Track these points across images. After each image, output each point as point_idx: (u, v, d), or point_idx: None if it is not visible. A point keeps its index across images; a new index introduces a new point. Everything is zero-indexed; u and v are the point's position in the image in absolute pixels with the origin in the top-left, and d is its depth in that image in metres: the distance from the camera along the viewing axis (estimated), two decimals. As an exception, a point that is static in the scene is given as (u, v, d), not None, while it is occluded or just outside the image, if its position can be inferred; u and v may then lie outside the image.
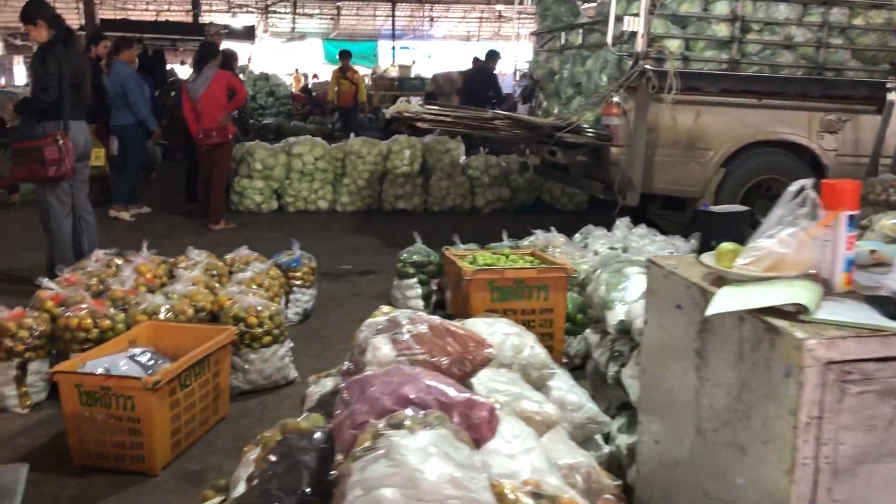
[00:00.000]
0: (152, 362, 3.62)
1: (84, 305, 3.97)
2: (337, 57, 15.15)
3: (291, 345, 4.26)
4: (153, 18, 26.50)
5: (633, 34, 6.22)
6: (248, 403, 3.98)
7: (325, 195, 9.71)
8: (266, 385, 4.11)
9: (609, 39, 6.22)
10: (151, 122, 8.63)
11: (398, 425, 1.78)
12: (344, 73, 14.26)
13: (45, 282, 4.31)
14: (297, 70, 29.44)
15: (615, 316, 3.00)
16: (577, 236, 5.65)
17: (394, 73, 24.73)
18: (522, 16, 33.70)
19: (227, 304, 4.24)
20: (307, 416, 2.31)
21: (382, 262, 7.12)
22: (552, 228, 5.48)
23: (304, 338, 4.94)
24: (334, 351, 4.76)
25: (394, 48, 31.39)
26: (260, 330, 4.02)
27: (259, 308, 4.08)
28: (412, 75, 23.35)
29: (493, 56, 12.54)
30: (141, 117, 8.48)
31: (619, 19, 6.20)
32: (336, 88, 14.38)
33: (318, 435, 2.14)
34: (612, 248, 5.08)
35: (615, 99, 6.48)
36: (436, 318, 2.47)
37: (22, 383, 3.84)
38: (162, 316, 4.00)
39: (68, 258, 5.64)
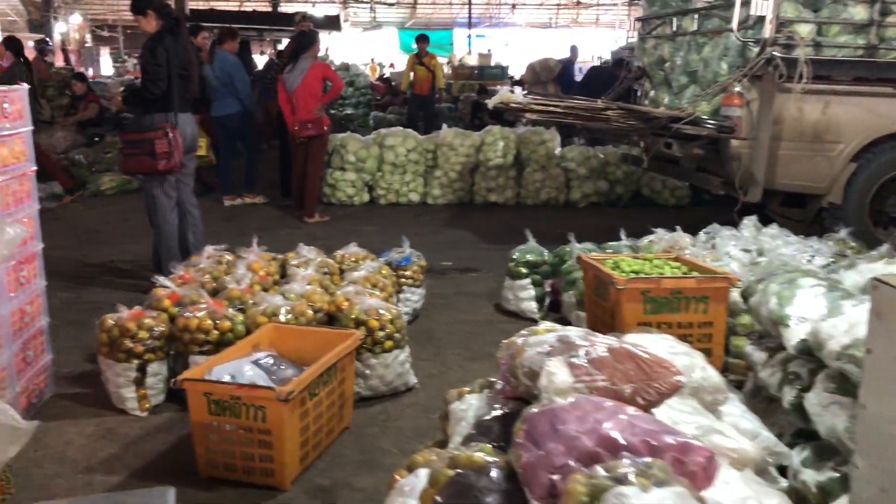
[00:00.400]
0: (276, 367, 3.47)
1: (203, 305, 3.85)
2: (412, 44, 14.46)
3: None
4: (236, 8, 26.86)
5: (761, 18, 5.80)
6: (370, 411, 3.79)
7: (417, 188, 9.53)
8: (386, 392, 3.93)
9: (734, 24, 5.82)
10: (256, 110, 8.66)
11: (621, 479, 1.53)
12: (420, 58, 12.99)
13: (161, 280, 4.21)
14: (372, 60, 29.44)
15: (794, 334, 2.68)
16: (702, 236, 5.29)
17: (472, 61, 24.45)
18: (601, 3, 32.94)
19: (345, 306, 4.06)
20: (474, 447, 2.08)
21: (482, 258, 6.90)
22: (678, 228, 5.14)
23: (417, 340, 4.73)
24: (448, 355, 4.55)
25: (469, 37, 31.05)
26: (382, 334, 3.83)
27: (381, 311, 3.89)
28: (492, 63, 23.02)
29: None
30: (248, 105, 8.58)
31: (745, 3, 5.79)
32: (411, 75, 13.27)
33: (495, 473, 1.91)
34: (745, 251, 4.71)
35: (737, 88, 6.08)
36: (613, 339, 2.21)
37: (141, 385, 3.74)
38: (282, 318, 3.85)
39: (174, 253, 5.59)
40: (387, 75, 24.45)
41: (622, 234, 5.30)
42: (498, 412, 2.36)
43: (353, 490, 3.06)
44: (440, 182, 9.50)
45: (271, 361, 3.49)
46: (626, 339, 2.25)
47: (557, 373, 2.07)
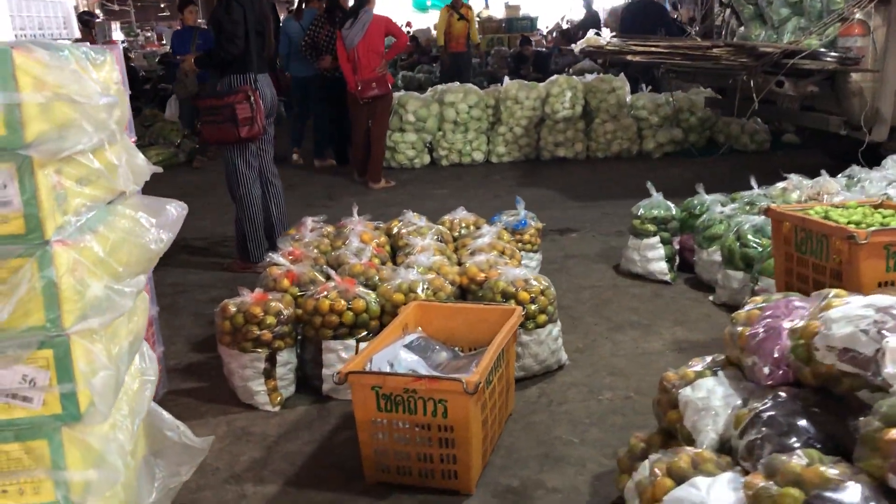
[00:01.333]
0: (429, 351, 3.04)
1: (332, 284, 3.42)
2: (426, 2, 13.09)
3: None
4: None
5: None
6: (527, 394, 3.37)
7: (480, 146, 9.03)
8: (539, 371, 3.50)
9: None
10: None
11: None
12: (456, 8, 11.78)
13: (272, 257, 3.79)
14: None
15: None
16: (842, 180, 4.78)
17: (499, 14, 23.63)
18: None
19: (481, 277, 3.63)
20: (803, 455, 1.64)
21: (575, 217, 6.43)
22: (823, 171, 4.63)
23: (545, 310, 4.29)
24: (588, 326, 4.11)
25: (486, -11, 30.06)
26: (534, 307, 3.39)
27: (531, 282, 3.44)
28: (520, 15, 22.22)
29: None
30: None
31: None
32: (446, 30, 11.92)
33: (854, 493, 1.47)
34: (908, 194, 4.21)
35: (859, 16, 5.52)
36: None
37: (271, 377, 3.34)
38: (421, 293, 3.41)
39: (258, 228, 5.16)
40: (410, 33, 23.70)
41: (753, 182, 4.81)
42: (779, 403, 1.92)
43: (548, 491, 2.65)
44: (504, 139, 9.00)
45: (423, 344, 3.07)
46: None
47: (910, 355, 1.62)
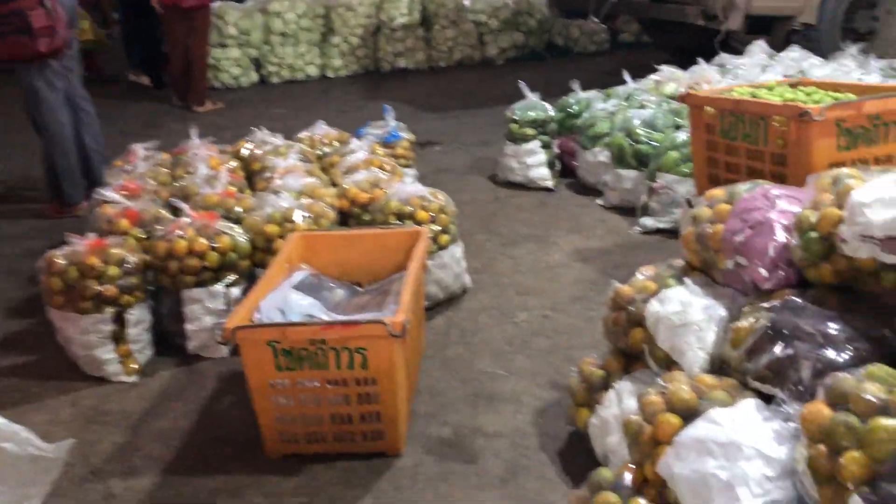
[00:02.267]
0: (325, 291, 2.54)
1: (185, 220, 2.78)
2: None
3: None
4: None
5: None
6: (435, 326, 2.95)
7: (313, 60, 8.29)
8: (443, 298, 3.08)
9: None
10: None
11: None
12: None
13: (103, 193, 3.07)
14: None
15: None
16: (714, 68, 4.61)
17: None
18: None
19: (363, 198, 3.12)
20: (891, 374, 1.31)
21: (432, 129, 5.99)
22: (700, 60, 4.44)
23: (429, 229, 3.85)
24: (479, 243, 3.72)
25: None
26: (436, 228, 2.94)
27: (427, 198, 2.98)
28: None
29: None
30: None
31: None
32: None
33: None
34: (787, 76, 4.09)
35: None
36: None
37: (122, 341, 2.68)
38: (300, 222, 2.86)
39: (73, 161, 4.31)
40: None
41: (626, 77, 4.55)
42: (796, 310, 1.60)
43: (489, 437, 2.26)
44: (340, 50, 8.30)
45: (315, 282, 2.55)
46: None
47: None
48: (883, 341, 1.48)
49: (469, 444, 2.24)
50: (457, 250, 3.05)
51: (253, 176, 3.59)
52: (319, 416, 2.16)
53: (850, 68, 4.23)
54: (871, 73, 4.10)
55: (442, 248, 2.96)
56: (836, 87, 2.74)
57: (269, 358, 2.09)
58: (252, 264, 2.84)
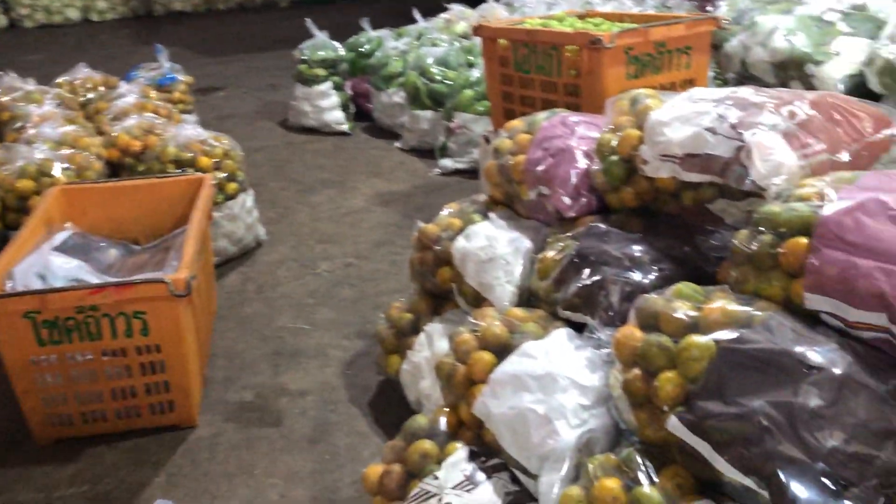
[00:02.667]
0: (94, 251, 2.23)
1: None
2: None
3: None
4: None
5: None
6: (229, 283, 2.72)
7: (73, 2, 7.43)
8: (236, 253, 2.84)
9: None
10: None
11: None
12: None
13: None
14: None
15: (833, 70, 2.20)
16: (501, 6, 4.60)
17: None
18: None
19: (135, 146, 2.79)
20: (698, 291, 1.30)
21: (214, 74, 5.60)
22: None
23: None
24: (273, 192, 3.50)
25: None
26: (222, 176, 2.69)
27: (209, 142, 2.71)
28: None
29: None
30: None
31: None
32: None
33: (780, 328, 1.17)
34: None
35: None
36: (799, 92, 1.51)
37: None
38: (60, 176, 2.49)
39: None
40: None
41: (416, 15, 4.43)
42: (600, 236, 1.57)
43: (293, 396, 2.10)
44: (105, -9, 7.52)
45: (81, 242, 2.24)
46: (810, 94, 1.54)
47: (777, 148, 1.33)
48: (686, 259, 1.48)
49: (273, 405, 2.07)
50: (248, 199, 2.82)
51: (2, 128, 3.11)
52: (97, 392, 1.90)
53: (629, 6, 4.38)
54: (647, 9, 4.27)
55: (230, 197, 2.72)
56: (622, 18, 2.78)
57: (28, 331, 1.79)
58: (3, 226, 2.45)
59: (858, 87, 2.51)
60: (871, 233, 1.10)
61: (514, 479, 1.40)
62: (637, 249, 1.49)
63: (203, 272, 2.22)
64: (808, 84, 2.59)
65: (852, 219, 1.13)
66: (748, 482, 1.03)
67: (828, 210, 1.16)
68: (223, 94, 5.12)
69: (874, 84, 2.49)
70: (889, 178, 1.19)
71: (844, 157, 1.40)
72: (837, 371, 1.06)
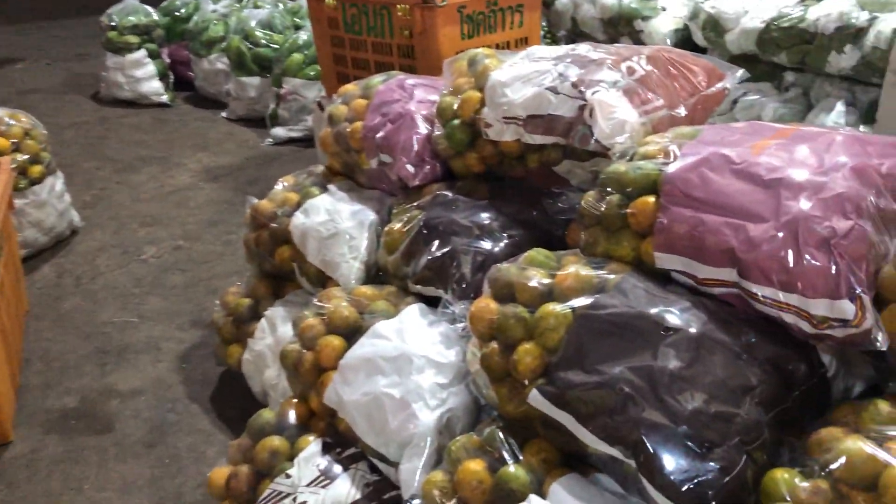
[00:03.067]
0: None
1: None
2: None
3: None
4: None
5: None
6: (41, 277, 2.44)
7: None
8: (48, 243, 2.56)
9: None
10: None
11: None
12: None
13: None
14: None
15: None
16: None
17: None
18: None
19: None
20: (549, 257, 1.25)
21: (11, 44, 5.05)
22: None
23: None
24: (88, 172, 3.19)
25: None
26: (23, 158, 2.39)
27: (3, 121, 2.40)
28: None
29: None
30: None
31: None
32: None
33: (633, 288, 1.15)
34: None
35: None
36: (634, 47, 1.49)
37: None
38: None
39: None
40: None
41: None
42: (447, 205, 1.51)
43: (124, 397, 1.91)
44: None
45: None
46: (646, 49, 1.53)
47: (620, 106, 1.31)
48: (535, 224, 1.44)
49: (101, 410, 1.87)
50: (57, 183, 2.54)
51: None
52: None
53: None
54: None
55: (35, 181, 2.43)
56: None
57: None
58: None
59: (684, 42, 2.58)
60: (717, 188, 1.09)
61: (374, 469, 1.33)
62: (485, 217, 1.44)
63: (6, 267, 1.96)
64: (637, 39, 2.64)
65: (697, 175, 1.11)
66: (614, 452, 1.00)
67: (673, 167, 1.14)
68: (22, 66, 4.61)
69: (699, 38, 2.57)
70: (728, 131, 1.20)
71: (682, 111, 1.40)
72: (693, 330, 1.04)
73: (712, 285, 1.10)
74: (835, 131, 1.13)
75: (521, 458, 1.12)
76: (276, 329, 1.74)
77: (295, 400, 1.48)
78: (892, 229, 1.02)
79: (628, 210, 1.18)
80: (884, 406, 0.94)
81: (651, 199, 1.15)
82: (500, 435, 1.15)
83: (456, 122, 1.53)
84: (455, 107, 1.54)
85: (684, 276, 1.13)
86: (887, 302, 0.98)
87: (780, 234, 1.01)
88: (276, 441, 1.41)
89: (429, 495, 1.16)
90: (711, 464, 0.94)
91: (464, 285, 1.35)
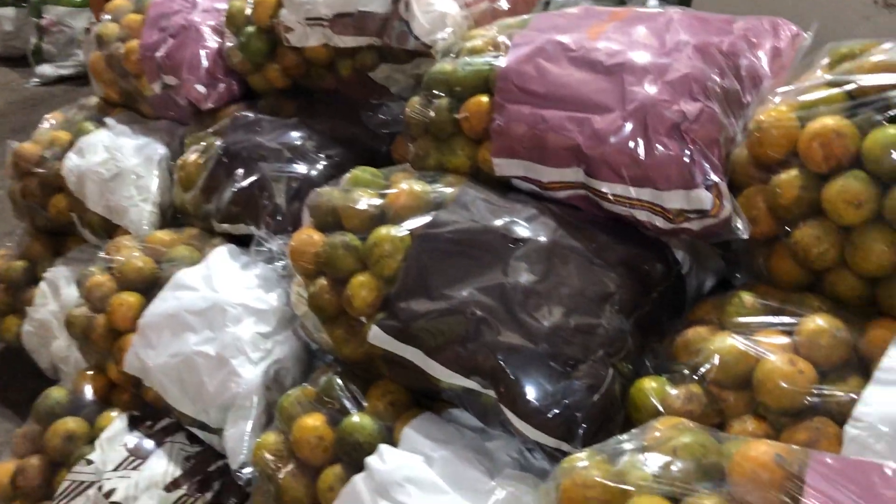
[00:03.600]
0: None
1: None
2: None
3: None
4: None
5: None
6: None
7: None
8: None
9: None
10: None
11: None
12: None
13: None
14: None
15: None
16: None
17: None
18: None
19: None
20: (376, 174, 1.09)
21: None
22: None
23: None
24: None
25: None
26: None
27: None
28: None
29: None
30: None
31: None
32: None
33: (473, 201, 1.03)
34: None
35: None
36: None
37: None
38: None
39: None
40: None
41: None
42: (249, 126, 1.31)
43: None
44: None
45: None
46: None
47: None
48: (355, 141, 1.27)
49: None
50: None
51: None
52: None
53: None
54: None
55: None
56: None
57: None
58: None
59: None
60: (555, 79, 0.98)
61: (194, 439, 1.14)
62: (297, 137, 1.25)
63: None
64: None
65: (533, 66, 0.99)
66: (470, 384, 0.89)
67: (505, 61, 1.02)
68: None
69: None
70: (560, 17, 1.08)
71: (504, 4, 1.27)
72: (543, 239, 0.94)
73: (558, 189, 1.00)
74: (670, 10, 1.04)
75: (365, 405, 0.98)
76: (59, 292, 1.48)
77: (90, 372, 1.26)
78: (737, 110, 0.95)
79: (460, 114, 1.04)
80: (747, 298, 0.88)
81: (484, 98, 1.02)
82: (339, 382, 1.00)
83: (250, 29, 1.32)
84: (248, 12, 1.32)
85: (527, 182, 1.02)
86: (741, 187, 0.92)
87: (628, 124, 0.92)
88: (70, 423, 1.19)
89: (262, 461, 1.00)
90: (577, 382, 0.84)
91: (279, 217, 1.17)
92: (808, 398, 0.77)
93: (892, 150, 0.80)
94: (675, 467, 0.65)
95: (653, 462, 0.67)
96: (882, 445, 0.72)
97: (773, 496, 0.60)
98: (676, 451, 0.67)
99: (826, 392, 0.77)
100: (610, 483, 0.65)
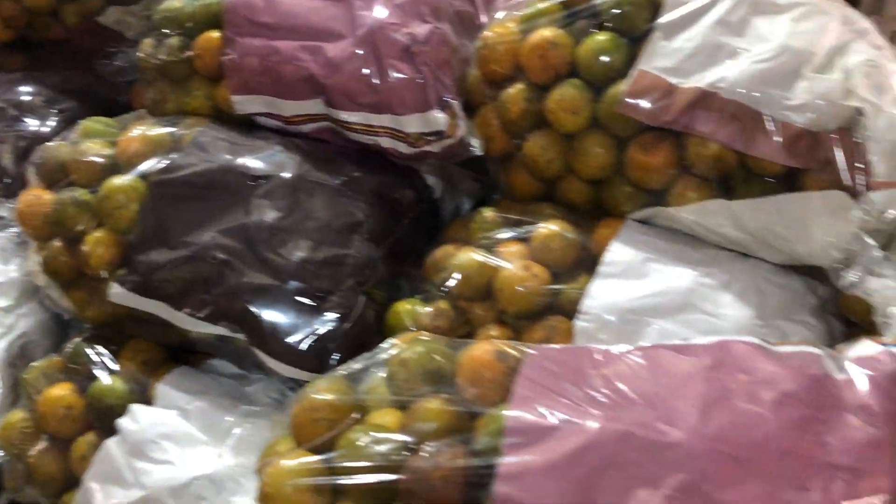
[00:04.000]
0: None
1: None
2: None
3: None
4: None
5: None
6: None
7: None
8: None
9: None
10: None
11: None
12: None
13: None
14: None
15: None
16: None
17: None
18: None
19: None
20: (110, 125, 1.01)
21: None
22: None
23: None
24: None
25: None
26: None
27: None
28: None
29: None
30: None
31: None
32: None
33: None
34: None
35: None
36: None
37: None
38: None
39: None
40: None
41: None
42: None
43: None
44: None
45: None
46: None
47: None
48: (89, 91, 1.17)
49: None
50: None
51: None
52: None
53: None
54: None
55: None
56: None
57: None
58: None
59: None
60: (286, 9, 0.94)
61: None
62: (24, 92, 1.14)
63: None
64: None
65: (261, -5, 0.95)
66: (219, 330, 0.85)
67: (241, -8, 0.96)
68: None
69: None
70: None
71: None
72: (287, 175, 0.91)
73: (302, 122, 0.97)
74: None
75: (116, 368, 0.92)
76: None
77: None
78: (471, 31, 0.96)
79: (192, 52, 0.98)
80: (489, 213, 0.90)
81: (215, 34, 0.97)
82: (87, 348, 0.93)
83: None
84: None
85: (271, 119, 0.98)
86: (477, 106, 0.93)
87: (359, 50, 0.90)
88: None
89: (9, 442, 0.92)
90: (327, 314, 0.83)
91: (8, 181, 1.07)
92: (542, 299, 0.80)
93: (600, 56, 0.84)
94: (403, 377, 0.65)
95: (385, 376, 0.67)
96: (606, 334, 0.76)
97: (490, 389, 0.61)
98: (407, 363, 0.67)
99: (558, 291, 0.80)
100: (337, 401, 0.64)
